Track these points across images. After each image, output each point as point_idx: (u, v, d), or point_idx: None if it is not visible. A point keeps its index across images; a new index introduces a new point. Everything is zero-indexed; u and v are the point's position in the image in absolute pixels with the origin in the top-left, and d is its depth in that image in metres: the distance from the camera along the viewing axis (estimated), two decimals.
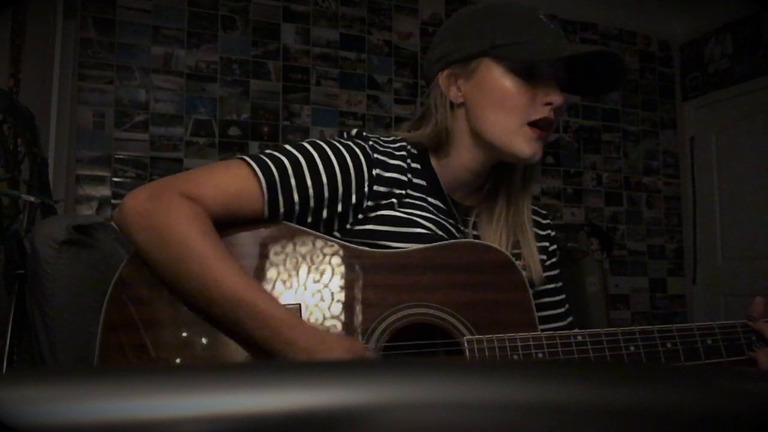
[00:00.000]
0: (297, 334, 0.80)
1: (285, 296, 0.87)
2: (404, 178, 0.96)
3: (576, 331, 0.89)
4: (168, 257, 0.82)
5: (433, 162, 1.01)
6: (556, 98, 0.93)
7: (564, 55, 0.90)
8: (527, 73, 0.92)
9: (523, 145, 0.93)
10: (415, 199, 0.97)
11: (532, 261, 0.99)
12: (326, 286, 0.88)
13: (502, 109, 0.93)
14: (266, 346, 0.80)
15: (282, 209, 0.89)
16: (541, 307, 0.98)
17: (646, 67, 3.96)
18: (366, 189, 0.93)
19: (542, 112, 0.93)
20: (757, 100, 3.55)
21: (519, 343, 0.87)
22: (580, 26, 3.78)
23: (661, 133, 3.96)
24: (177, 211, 0.83)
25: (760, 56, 3.54)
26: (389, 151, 0.97)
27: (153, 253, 0.83)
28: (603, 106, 3.79)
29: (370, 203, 0.94)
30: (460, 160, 0.99)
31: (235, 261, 0.84)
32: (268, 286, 0.87)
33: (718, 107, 3.80)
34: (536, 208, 1.10)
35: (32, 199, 1.48)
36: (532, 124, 0.93)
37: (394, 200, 0.95)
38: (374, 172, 0.93)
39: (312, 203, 0.90)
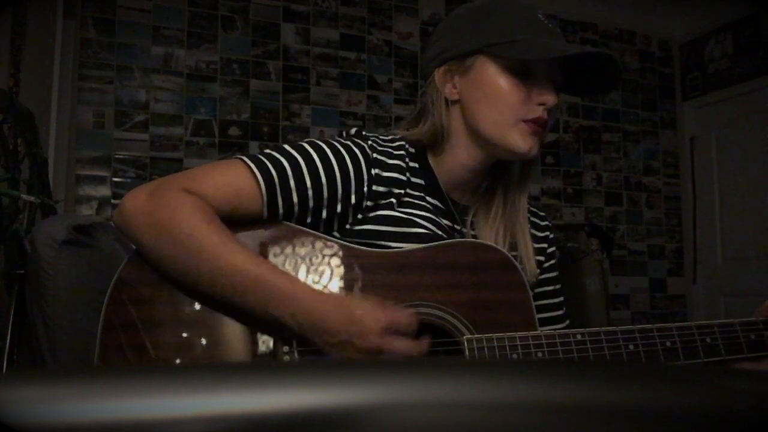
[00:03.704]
0: (320, 309, 0.80)
1: None
2: (403, 177, 0.96)
3: (575, 330, 0.89)
4: (176, 251, 0.82)
5: (431, 160, 1.01)
6: (550, 98, 0.93)
7: (556, 55, 0.90)
8: (522, 72, 0.93)
9: (519, 140, 0.93)
10: (414, 199, 0.97)
11: (527, 259, 0.99)
12: (326, 285, 0.88)
13: (496, 106, 0.94)
14: (292, 324, 0.80)
15: (281, 210, 0.89)
16: (538, 309, 0.98)
17: (646, 67, 3.96)
18: (365, 189, 0.93)
19: (536, 112, 0.93)
20: (757, 100, 3.55)
21: (518, 343, 0.87)
22: (580, 26, 3.78)
23: (661, 133, 3.96)
24: (180, 205, 0.82)
25: (760, 56, 3.54)
26: (388, 151, 0.97)
27: (160, 250, 0.83)
28: (603, 106, 3.79)
29: (369, 203, 0.94)
30: (457, 158, 0.99)
31: (245, 245, 0.84)
32: None
33: (718, 107, 3.80)
34: (535, 209, 1.10)
35: (32, 199, 1.48)
36: (527, 121, 0.93)
37: (393, 200, 0.95)
38: (373, 171, 0.93)
39: (311, 204, 0.90)
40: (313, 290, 0.83)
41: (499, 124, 0.94)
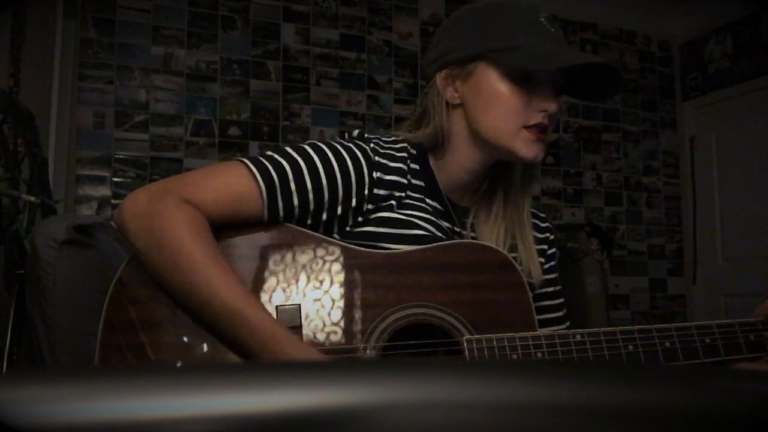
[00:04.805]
0: (284, 349, 0.79)
1: (285, 297, 0.87)
2: (404, 180, 0.96)
3: (575, 330, 0.89)
4: (163, 261, 0.82)
5: (432, 162, 1.01)
6: (551, 105, 0.93)
7: (557, 66, 0.90)
8: (523, 78, 0.92)
9: (524, 148, 0.93)
10: (414, 200, 0.97)
11: (531, 262, 0.99)
12: (326, 286, 0.88)
13: (497, 113, 0.93)
14: (251, 352, 0.81)
15: (282, 212, 0.89)
16: (539, 310, 0.98)
17: (646, 67, 3.96)
18: (366, 192, 0.93)
19: (537, 118, 0.93)
20: (757, 100, 3.55)
21: (518, 343, 0.87)
22: (580, 26, 3.78)
23: (661, 133, 3.96)
24: (175, 216, 0.83)
25: (760, 56, 3.54)
26: (390, 153, 0.97)
27: (148, 256, 0.83)
28: (603, 106, 3.79)
29: (370, 206, 0.94)
30: (458, 161, 0.99)
31: (230, 269, 0.83)
32: (267, 288, 0.88)
33: (718, 107, 3.80)
34: (535, 211, 1.10)
35: (32, 199, 1.48)
36: (528, 128, 0.93)
37: (393, 202, 0.95)
38: (375, 175, 0.93)
39: (312, 206, 0.90)
40: (285, 334, 0.81)
41: (502, 131, 0.94)
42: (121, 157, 2.82)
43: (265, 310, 0.84)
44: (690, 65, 3.96)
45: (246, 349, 0.81)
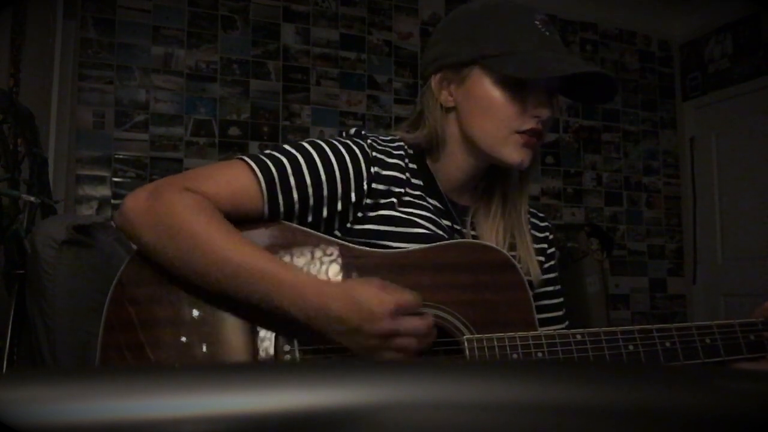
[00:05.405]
0: (326, 298, 0.80)
1: None
2: (402, 176, 0.96)
3: (575, 330, 0.89)
4: (179, 249, 0.82)
5: (429, 163, 1.01)
6: (544, 111, 0.94)
7: (548, 76, 0.91)
8: (517, 84, 0.93)
9: (512, 152, 0.94)
10: (415, 198, 0.97)
11: (530, 261, 1.00)
12: None
13: (490, 118, 0.94)
14: (299, 315, 0.80)
15: (282, 209, 0.90)
16: (538, 310, 0.98)
17: (646, 67, 3.96)
18: (365, 187, 0.93)
19: (530, 123, 0.94)
20: (757, 100, 3.55)
21: (518, 343, 0.87)
22: (580, 26, 3.78)
23: (661, 133, 3.96)
24: (181, 203, 0.83)
25: (760, 56, 3.54)
26: (387, 150, 0.97)
27: (163, 249, 0.83)
28: (603, 106, 3.79)
29: (369, 201, 0.94)
30: (454, 163, 1.00)
31: (248, 240, 0.84)
32: None
33: (718, 107, 3.80)
34: (534, 210, 1.10)
35: (32, 199, 1.48)
36: (521, 132, 0.93)
37: (393, 199, 0.95)
38: (373, 170, 0.93)
39: (311, 202, 0.91)
40: (318, 280, 0.84)
41: (493, 136, 0.94)
42: (121, 157, 2.82)
43: (296, 267, 0.86)
44: (690, 65, 3.96)
45: (287, 309, 0.80)
